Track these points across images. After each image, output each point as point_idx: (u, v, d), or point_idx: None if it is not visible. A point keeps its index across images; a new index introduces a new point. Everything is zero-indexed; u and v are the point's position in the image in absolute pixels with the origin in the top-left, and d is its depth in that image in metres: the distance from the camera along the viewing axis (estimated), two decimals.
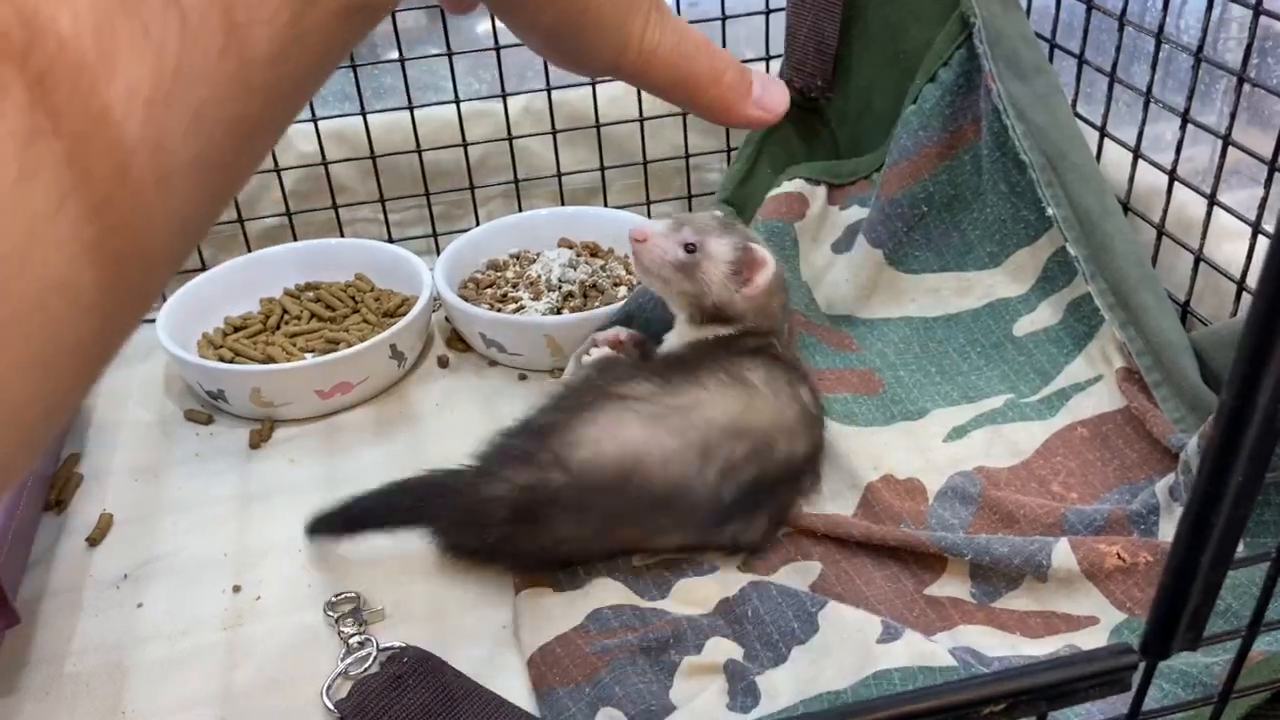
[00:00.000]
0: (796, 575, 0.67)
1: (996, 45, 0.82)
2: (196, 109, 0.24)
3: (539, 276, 0.96)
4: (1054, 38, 0.89)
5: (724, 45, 1.03)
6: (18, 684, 0.63)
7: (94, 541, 0.73)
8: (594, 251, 1.02)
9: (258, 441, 0.83)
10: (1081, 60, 0.86)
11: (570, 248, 1.01)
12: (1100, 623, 0.60)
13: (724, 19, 1.01)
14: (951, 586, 0.65)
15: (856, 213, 0.92)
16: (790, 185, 0.89)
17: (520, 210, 1.06)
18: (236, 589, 0.69)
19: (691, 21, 0.99)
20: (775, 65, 1.03)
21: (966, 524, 0.69)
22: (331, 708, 0.60)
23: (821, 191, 0.92)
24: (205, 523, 0.75)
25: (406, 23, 1.01)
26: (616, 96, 1.04)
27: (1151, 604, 0.33)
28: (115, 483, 0.79)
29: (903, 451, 0.76)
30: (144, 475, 0.80)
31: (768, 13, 1.02)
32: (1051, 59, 0.88)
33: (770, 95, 0.41)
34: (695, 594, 0.65)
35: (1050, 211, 0.78)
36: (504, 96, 1.02)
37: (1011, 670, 0.39)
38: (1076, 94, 0.87)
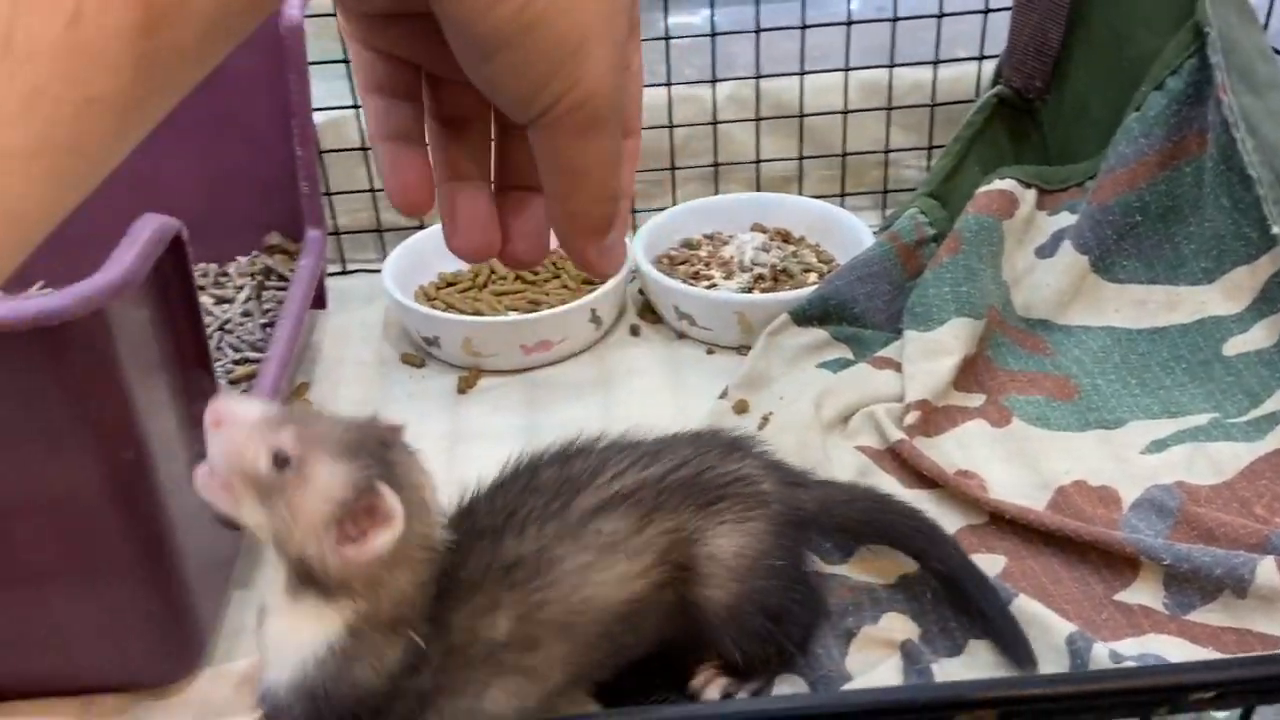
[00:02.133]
0: (981, 567, 0.68)
1: (1231, 56, 0.80)
2: (34, 88, 0.22)
3: (732, 257, 0.99)
4: None
5: (938, 43, 1.03)
6: (254, 580, 0.70)
7: None
8: (786, 238, 1.04)
9: (464, 388, 0.89)
10: None
11: (763, 232, 1.04)
12: None
13: (940, 16, 1.01)
14: (1143, 594, 0.64)
15: (1065, 219, 0.91)
16: (1002, 183, 0.89)
17: (716, 193, 1.09)
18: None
19: (907, 18, 1.01)
20: (989, 66, 1.02)
21: (1162, 536, 0.68)
22: None
23: (1031, 195, 0.92)
24: (420, 448, 0.81)
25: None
26: (824, 88, 1.06)
27: None
28: (339, 411, 0.86)
29: (1097, 459, 0.75)
30: (362, 408, 0.86)
31: (986, 12, 1.01)
32: None
33: (617, 252, 0.37)
34: (878, 563, 0.67)
35: (1276, 230, 0.76)
36: (714, 82, 1.05)
37: (1224, 660, 0.40)
38: None
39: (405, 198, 0.37)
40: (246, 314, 0.94)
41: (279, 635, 0.51)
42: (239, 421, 0.45)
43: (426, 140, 0.38)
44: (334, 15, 0.95)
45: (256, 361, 0.86)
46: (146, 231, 0.50)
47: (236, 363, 0.88)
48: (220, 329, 0.92)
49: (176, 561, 0.58)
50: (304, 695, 0.49)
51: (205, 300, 0.95)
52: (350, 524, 0.47)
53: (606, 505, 0.56)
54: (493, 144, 0.39)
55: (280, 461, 0.46)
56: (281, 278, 0.96)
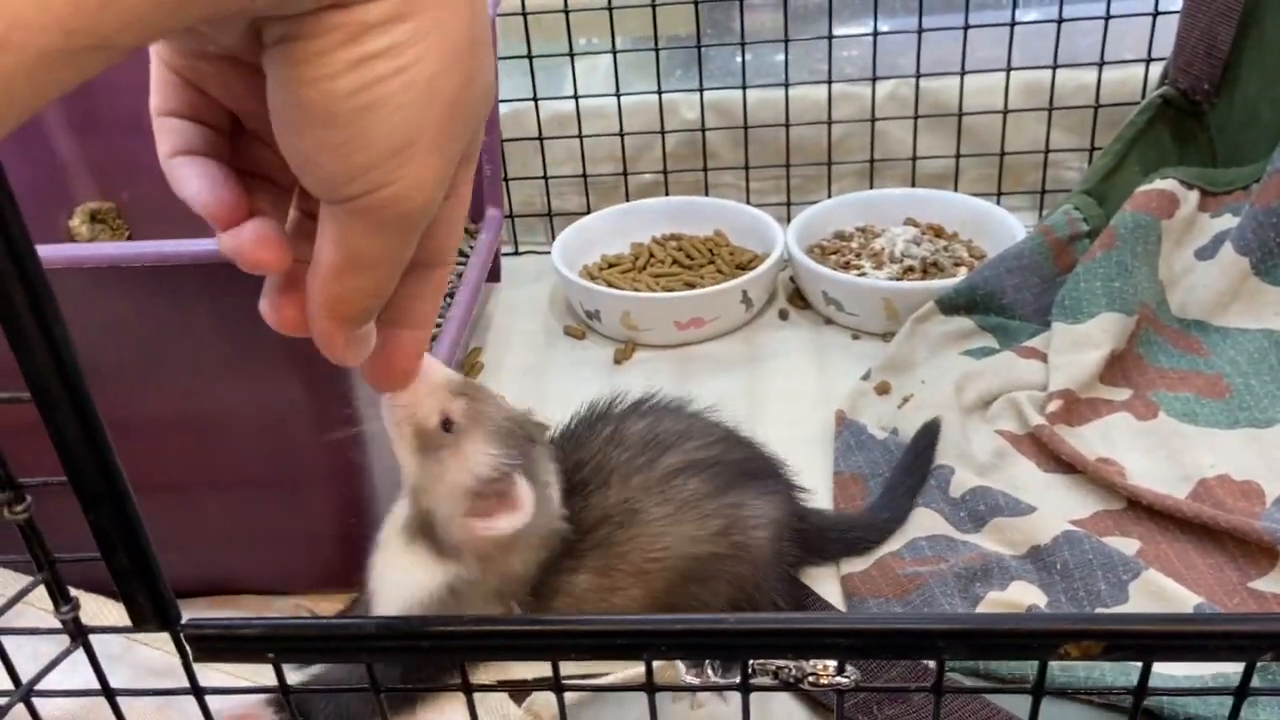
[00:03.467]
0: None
1: None
2: None
3: (882, 249, 1.02)
4: None
5: (1104, 45, 1.03)
6: None
7: None
8: (938, 233, 1.06)
9: (621, 359, 0.96)
10: None
11: (915, 227, 1.06)
12: None
13: (1107, 18, 1.01)
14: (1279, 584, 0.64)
15: (1228, 221, 0.90)
16: (1163, 183, 0.89)
17: (871, 188, 1.13)
18: None
19: (1073, 20, 1.01)
20: (1155, 69, 1.02)
21: None
22: None
23: (1194, 196, 0.91)
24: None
25: (795, 8, 1.10)
26: (985, 87, 1.07)
27: None
28: (507, 375, 0.95)
29: (1244, 456, 0.75)
30: (529, 373, 0.95)
31: (1155, 14, 1.01)
32: None
33: (366, 342, 0.38)
34: (1009, 533, 0.69)
35: None
36: (874, 80, 1.09)
37: None
38: None
39: (207, 202, 0.35)
40: None
41: (388, 572, 0.55)
42: (427, 379, 0.47)
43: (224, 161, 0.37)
44: (521, 15, 1.04)
45: (437, 326, 0.95)
46: None
47: None
48: None
49: (366, 479, 0.66)
50: None
51: None
52: (482, 501, 0.50)
53: (690, 468, 0.60)
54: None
55: (446, 425, 0.49)
56: (462, 253, 1.05)
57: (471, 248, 1.00)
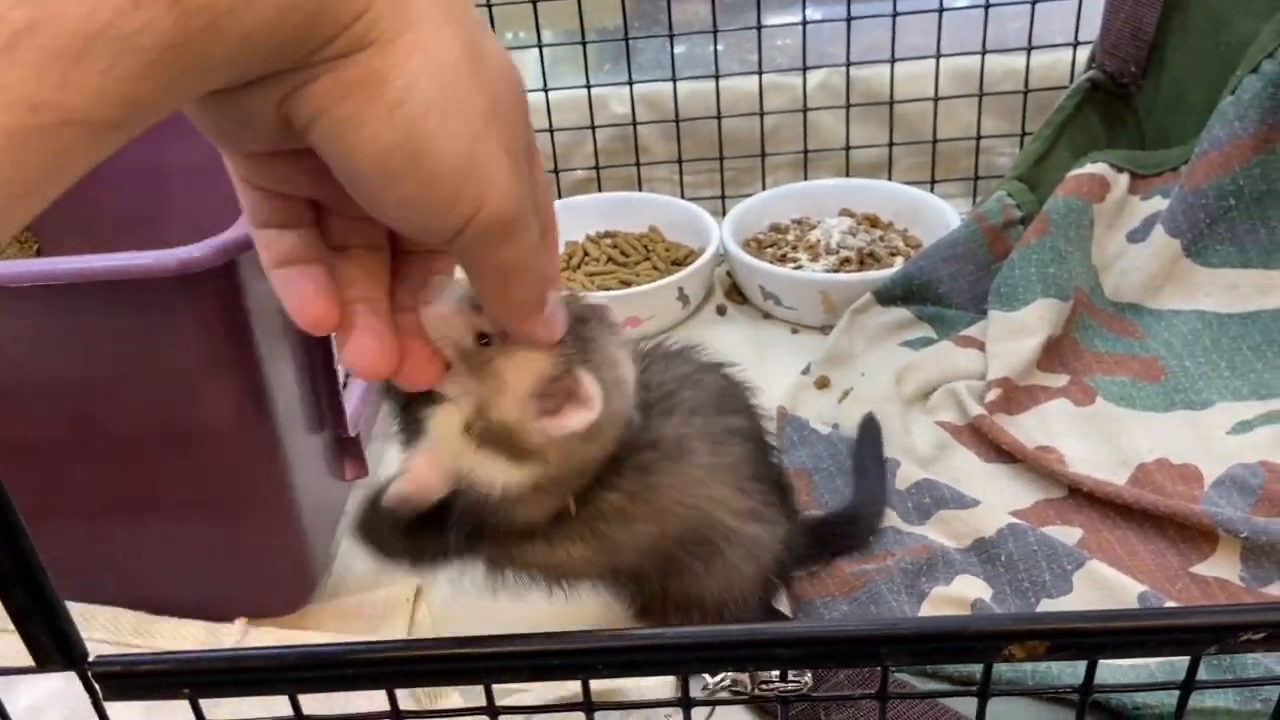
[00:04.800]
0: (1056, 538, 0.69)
1: None
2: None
3: (818, 241, 1.01)
4: None
5: (1031, 27, 1.03)
6: None
7: None
8: (874, 223, 1.06)
9: None
10: None
11: (851, 217, 1.06)
12: None
13: (1034, 1, 1.01)
14: (1220, 567, 0.64)
15: (1158, 203, 0.90)
16: (1094, 167, 0.89)
17: (805, 179, 1.12)
18: None
19: (1001, 4, 1.01)
20: (1083, 53, 1.02)
21: (1243, 513, 0.68)
22: None
23: (1124, 179, 0.91)
24: None
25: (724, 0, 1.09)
26: (913, 75, 1.07)
27: None
28: None
29: (1181, 439, 0.75)
30: None
31: None
32: None
33: (557, 318, 0.41)
34: (954, 525, 0.68)
35: None
36: (804, 70, 1.08)
37: (1277, 603, 0.41)
38: None
39: (306, 315, 0.38)
40: None
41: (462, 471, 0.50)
42: (445, 298, 0.43)
43: (319, 259, 0.38)
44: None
45: None
46: None
47: None
48: None
49: (293, 501, 0.64)
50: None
51: None
52: (549, 401, 0.47)
53: (749, 435, 0.59)
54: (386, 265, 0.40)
55: (483, 339, 0.46)
56: None
57: None
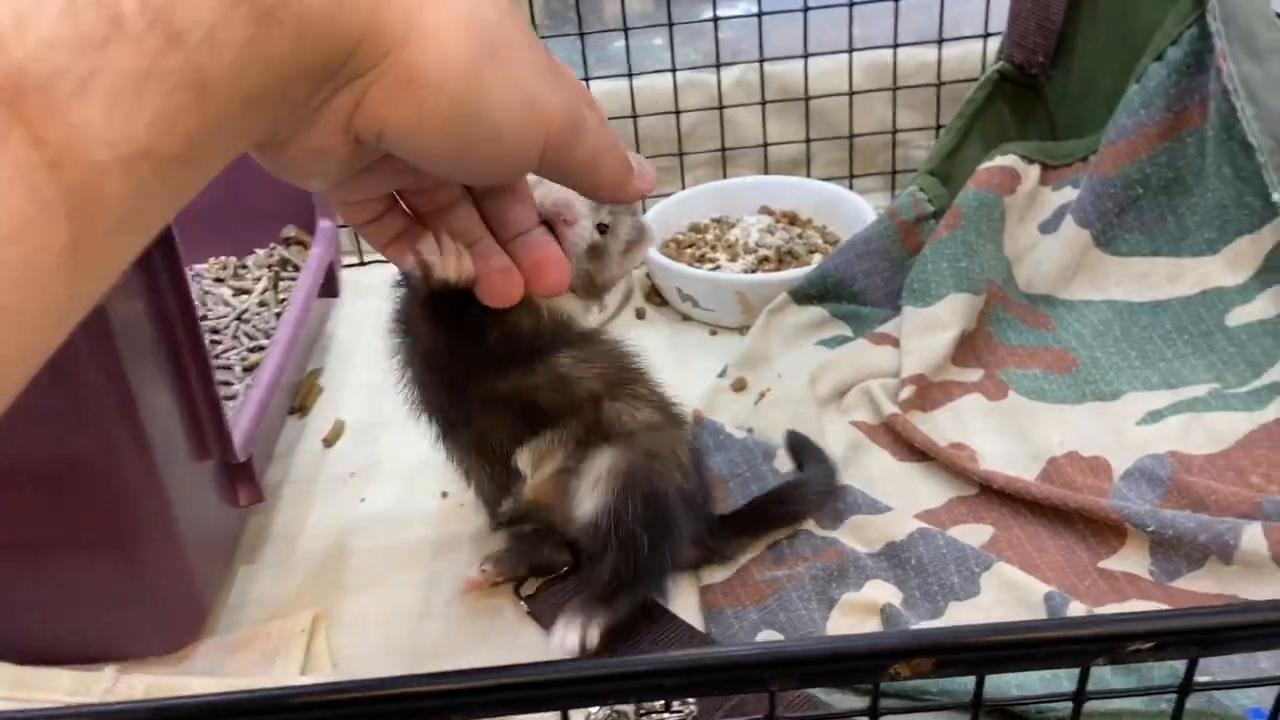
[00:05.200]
0: (967, 537, 0.68)
1: (1231, 24, 0.79)
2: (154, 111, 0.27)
3: (737, 240, 1.00)
4: None
5: (941, 21, 1.03)
6: (258, 556, 0.73)
7: (329, 442, 0.83)
8: (792, 220, 1.04)
9: None
10: None
11: (770, 215, 1.04)
12: None
13: None
14: (1129, 562, 0.64)
15: (1068, 194, 0.90)
16: (1004, 159, 0.88)
17: (725, 177, 1.10)
18: (444, 494, 0.77)
19: None
20: (993, 44, 1.02)
21: (1151, 505, 0.67)
22: (521, 602, 0.66)
23: (1035, 170, 0.91)
24: (421, 436, 0.83)
25: (633, 5, 1.07)
26: (827, 70, 1.06)
27: None
28: (349, 396, 0.89)
29: (1092, 430, 0.75)
30: (374, 392, 0.89)
31: None
32: None
33: (647, 170, 0.45)
34: (865, 530, 0.67)
35: (1277, 198, 0.75)
36: (718, 67, 1.06)
37: (1163, 611, 0.40)
38: None
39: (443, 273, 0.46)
40: (263, 304, 0.97)
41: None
42: (583, 216, 0.59)
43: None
44: None
45: (262, 350, 0.89)
46: None
47: (251, 350, 0.91)
48: (238, 319, 0.95)
49: (177, 534, 0.61)
50: None
51: (224, 291, 0.98)
52: (634, 250, 0.66)
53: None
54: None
55: (602, 229, 0.62)
56: (297, 269, 0.99)
57: (298, 266, 0.94)
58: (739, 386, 0.84)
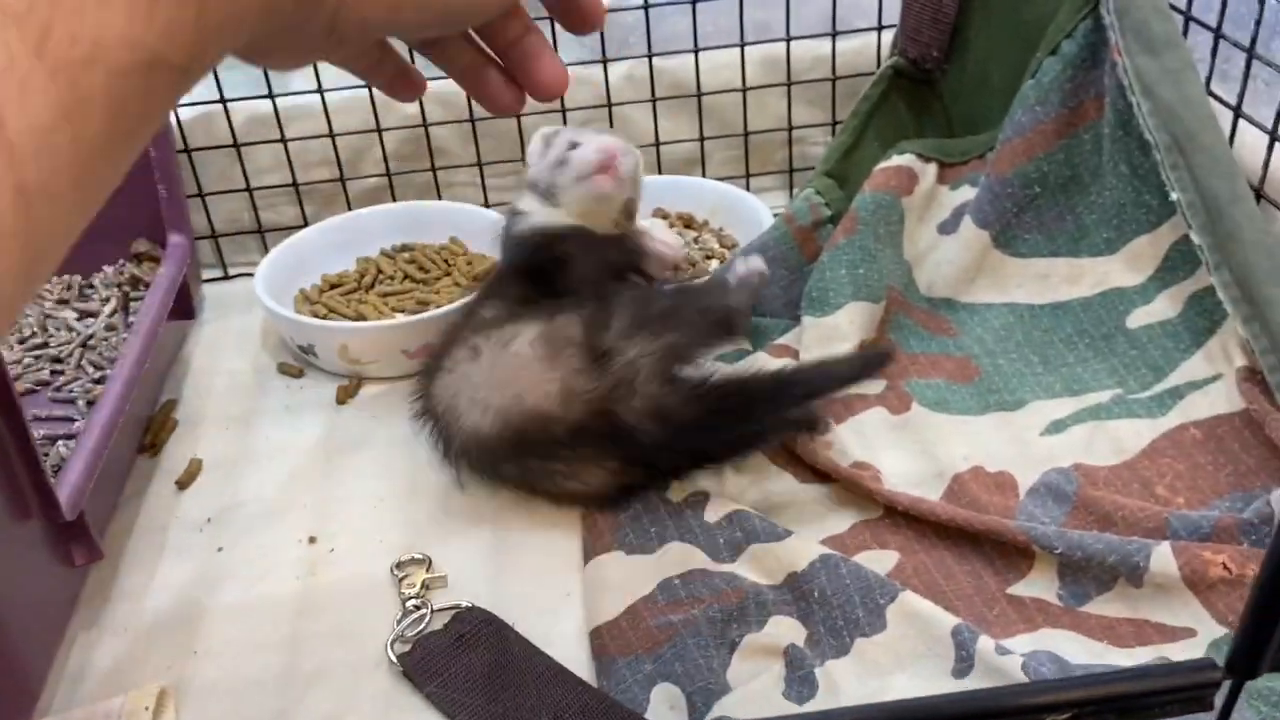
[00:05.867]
0: (872, 565, 0.64)
1: (1125, 16, 0.77)
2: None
3: None
4: (1189, 10, 0.82)
5: (834, 12, 0.99)
6: (99, 619, 0.65)
7: (182, 485, 0.76)
8: (688, 223, 1.00)
9: (344, 397, 0.84)
10: (1218, 35, 0.80)
11: (665, 218, 1.00)
12: (1197, 635, 0.56)
13: None
14: (1037, 586, 0.61)
15: (966, 193, 0.87)
16: (901, 159, 0.85)
17: None
18: (312, 540, 0.70)
19: None
20: (888, 36, 0.99)
21: (1058, 523, 0.65)
22: (395, 661, 0.60)
23: (932, 169, 0.88)
24: (288, 473, 0.76)
25: None
26: (720, 65, 1.02)
27: (1240, 619, 0.30)
28: (207, 429, 0.81)
29: (996, 443, 0.72)
30: (235, 424, 0.82)
31: None
32: (1186, 33, 0.82)
33: None
34: (766, 561, 0.63)
35: (1175, 196, 0.73)
36: (604, 62, 1.01)
37: (1079, 678, 0.37)
38: (1211, 71, 0.81)
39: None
40: (111, 329, 0.88)
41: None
42: (624, 151, 0.78)
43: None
44: None
45: (100, 384, 0.81)
46: None
47: (96, 381, 0.83)
48: (83, 345, 0.87)
49: None
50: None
51: (68, 315, 0.90)
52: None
53: None
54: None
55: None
56: (149, 287, 0.90)
57: (149, 285, 0.86)
58: None
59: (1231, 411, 0.69)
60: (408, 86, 0.48)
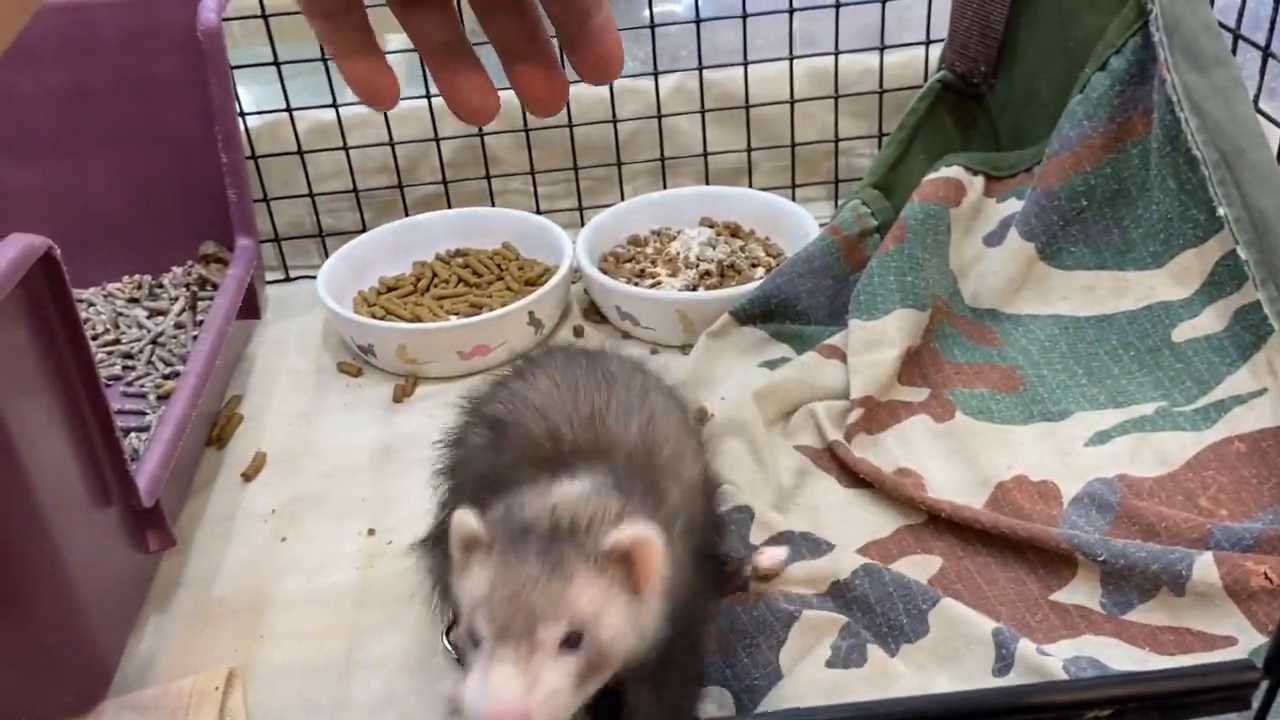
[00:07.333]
0: (916, 569, 0.65)
1: (1174, 33, 0.78)
2: None
3: (677, 254, 0.97)
4: (1238, 28, 0.83)
5: (882, 26, 1.01)
6: (170, 604, 0.68)
7: (248, 477, 0.79)
8: (734, 232, 1.02)
9: (401, 396, 0.87)
10: (1267, 53, 0.80)
11: (711, 227, 1.02)
12: (1238, 644, 0.57)
13: (884, 0, 0.98)
14: (1080, 594, 0.62)
15: (1013, 205, 0.88)
16: (949, 171, 0.87)
17: (665, 188, 1.07)
18: (371, 532, 0.73)
19: (850, 4, 0.98)
20: (935, 50, 1.00)
21: (1101, 533, 0.66)
22: (449, 649, 0.62)
23: (979, 182, 0.89)
24: (348, 468, 0.79)
25: None
26: (768, 78, 1.03)
27: (1278, 621, 0.31)
28: (271, 425, 0.85)
29: (1039, 453, 0.73)
30: (297, 420, 0.85)
31: None
32: (1235, 51, 0.82)
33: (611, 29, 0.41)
34: (811, 573, 0.65)
35: (1222, 211, 0.73)
36: (655, 75, 1.03)
37: (1120, 675, 0.38)
38: (1260, 89, 0.82)
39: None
40: (180, 326, 0.92)
41: None
42: (512, 688, 0.42)
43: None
44: (261, 17, 0.93)
45: (175, 378, 0.84)
46: (10, 252, 0.48)
47: (166, 377, 0.86)
48: (153, 343, 0.90)
49: (72, 589, 0.56)
50: None
51: (138, 313, 0.93)
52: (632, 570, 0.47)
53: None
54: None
55: (572, 640, 0.44)
56: (216, 288, 0.94)
57: (217, 285, 0.89)
58: None
59: (1276, 425, 0.69)
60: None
